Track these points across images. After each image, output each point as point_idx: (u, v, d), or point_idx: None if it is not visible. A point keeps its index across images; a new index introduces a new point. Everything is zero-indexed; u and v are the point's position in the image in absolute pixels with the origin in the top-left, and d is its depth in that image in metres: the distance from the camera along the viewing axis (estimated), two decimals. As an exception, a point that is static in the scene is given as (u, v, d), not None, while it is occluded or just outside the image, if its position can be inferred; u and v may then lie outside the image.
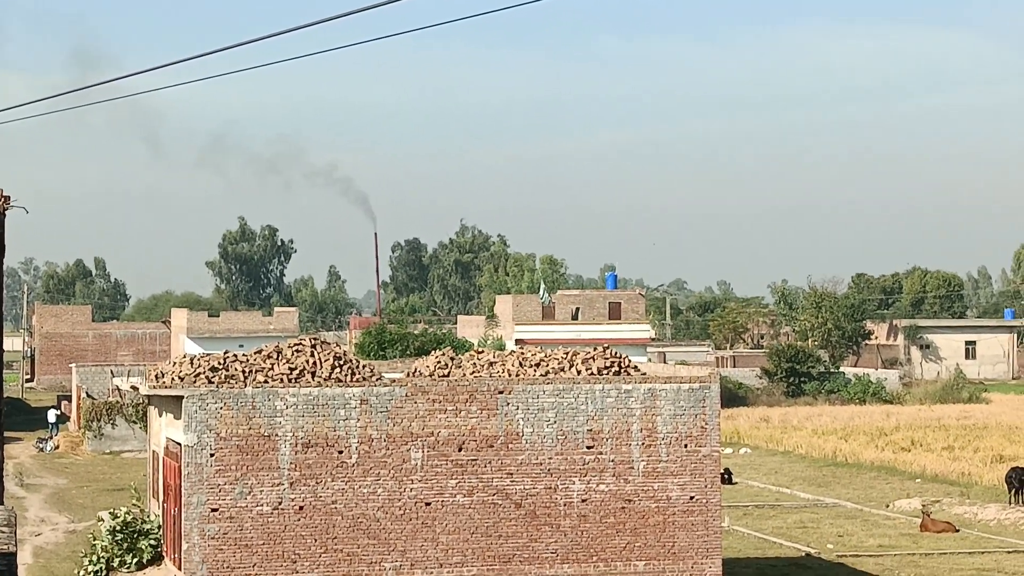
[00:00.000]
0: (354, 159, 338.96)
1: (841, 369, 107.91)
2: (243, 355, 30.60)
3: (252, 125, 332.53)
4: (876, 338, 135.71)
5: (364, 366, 30.93)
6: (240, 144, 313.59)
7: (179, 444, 29.60)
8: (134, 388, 34.15)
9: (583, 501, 30.34)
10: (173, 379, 29.79)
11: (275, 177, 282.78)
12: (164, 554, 32.24)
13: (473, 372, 31.49)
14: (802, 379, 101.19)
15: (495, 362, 32.06)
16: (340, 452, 29.36)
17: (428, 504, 29.73)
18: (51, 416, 76.73)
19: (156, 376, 30.62)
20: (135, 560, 32.63)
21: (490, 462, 29.98)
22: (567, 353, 32.32)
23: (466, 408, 29.93)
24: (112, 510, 34.49)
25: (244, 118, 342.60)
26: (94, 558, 32.98)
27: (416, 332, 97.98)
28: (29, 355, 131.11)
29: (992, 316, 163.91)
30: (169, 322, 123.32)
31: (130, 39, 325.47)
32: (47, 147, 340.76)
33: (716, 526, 31.00)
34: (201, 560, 28.75)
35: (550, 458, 30.20)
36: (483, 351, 33.17)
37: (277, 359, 30.40)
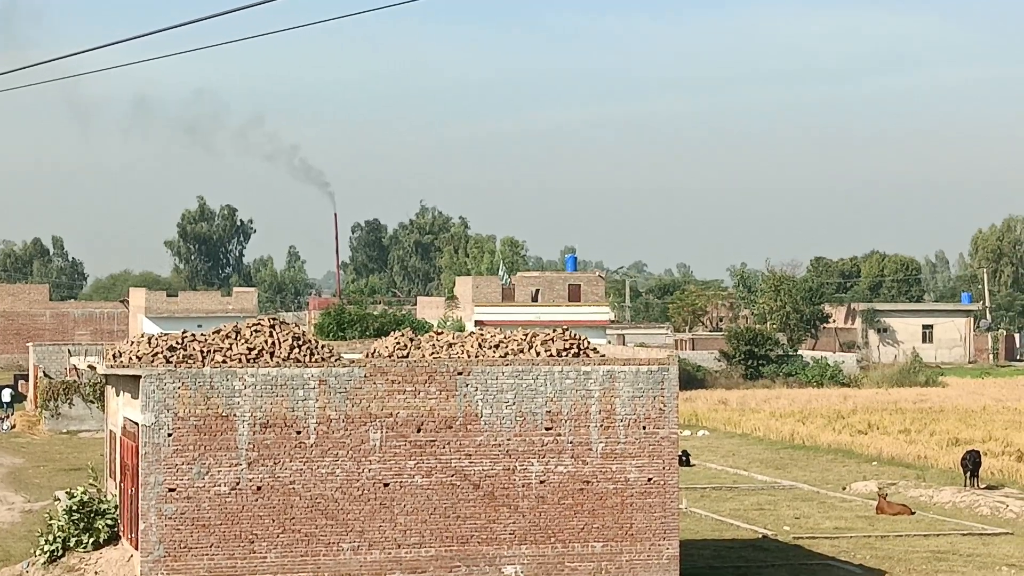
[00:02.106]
0: (313, 137, 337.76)
1: (799, 352, 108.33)
2: (201, 335, 30.48)
3: (227, 97, 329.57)
4: (834, 321, 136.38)
5: (323, 347, 30.85)
6: (215, 116, 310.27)
7: (136, 424, 29.48)
8: (91, 367, 33.96)
9: (541, 482, 30.37)
10: (131, 359, 29.65)
11: (239, 147, 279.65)
12: (121, 534, 32.12)
13: (432, 353, 31.46)
14: (760, 362, 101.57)
15: (454, 343, 32.04)
16: (298, 432, 29.29)
17: (386, 485, 29.70)
18: (5, 395, 76.24)
19: (114, 355, 30.47)
20: (92, 540, 32.50)
21: (449, 443, 29.97)
22: (526, 335, 32.32)
23: (425, 389, 29.90)
24: (69, 490, 34.32)
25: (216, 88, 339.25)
26: (50, 538, 32.82)
27: (376, 313, 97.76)
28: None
29: (949, 300, 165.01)
30: (127, 301, 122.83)
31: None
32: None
33: (673, 508, 31.09)
34: (158, 540, 28.66)
35: (509, 439, 30.21)
36: (442, 332, 33.12)
37: (235, 339, 30.29)
